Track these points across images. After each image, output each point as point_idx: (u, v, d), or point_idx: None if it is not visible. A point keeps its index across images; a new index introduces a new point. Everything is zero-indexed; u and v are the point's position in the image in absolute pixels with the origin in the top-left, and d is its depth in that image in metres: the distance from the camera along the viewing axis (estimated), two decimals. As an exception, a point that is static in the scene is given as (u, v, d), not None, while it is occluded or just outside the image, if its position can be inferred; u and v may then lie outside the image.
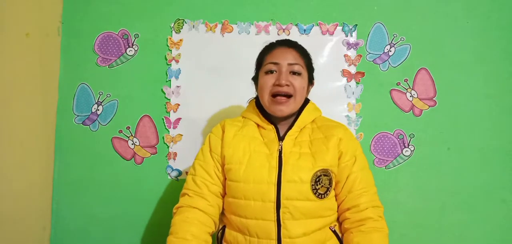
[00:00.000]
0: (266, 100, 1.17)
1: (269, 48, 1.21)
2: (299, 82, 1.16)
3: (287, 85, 1.14)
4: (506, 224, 1.59)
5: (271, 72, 1.16)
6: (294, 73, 1.16)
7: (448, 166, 1.60)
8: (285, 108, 1.15)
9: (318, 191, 1.10)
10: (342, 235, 1.17)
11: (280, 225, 1.08)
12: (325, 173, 1.12)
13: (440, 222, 1.59)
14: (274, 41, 1.23)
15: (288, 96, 1.15)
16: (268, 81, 1.16)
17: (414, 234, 1.59)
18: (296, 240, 1.08)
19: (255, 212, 1.10)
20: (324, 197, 1.12)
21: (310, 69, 1.22)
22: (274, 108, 1.15)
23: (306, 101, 1.25)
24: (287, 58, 1.16)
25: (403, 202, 1.59)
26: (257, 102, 1.25)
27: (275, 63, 1.16)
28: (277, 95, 1.14)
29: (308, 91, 1.24)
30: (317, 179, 1.11)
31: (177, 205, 1.18)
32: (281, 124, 1.20)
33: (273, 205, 1.08)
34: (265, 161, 1.13)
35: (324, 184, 1.11)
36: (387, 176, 1.60)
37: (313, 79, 1.25)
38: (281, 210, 1.08)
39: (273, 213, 1.08)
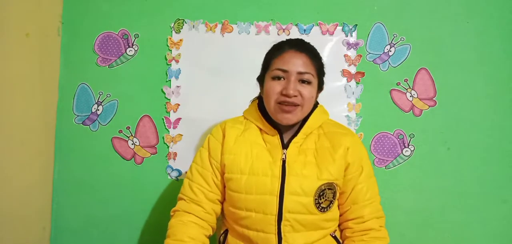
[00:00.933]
0: (271, 106, 1.10)
1: (278, 50, 1.12)
2: (308, 91, 1.08)
3: (295, 95, 1.06)
4: (506, 224, 1.59)
5: (279, 78, 1.09)
6: (303, 81, 1.08)
7: (448, 166, 1.59)
8: (292, 117, 1.09)
9: (321, 205, 1.08)
10: (343, 241, 1.16)
11: (280, 238, 1.06)
12: (330, 186, 1.08)
13: (440, 222, 1.59)
14: (284, 41, 1.15)
15: (295, 105, 1.08)
16: (275, 87, 1.08)
17: (414, 234, 1.59)
18: None
19: (256, 224, 1.08)
20: (327, 210, 1.09)
21: (321, 75, 1.14)
22: (280, 117, 1.09)
23: (315, 104, 1.18)
24: (297, 65, 1.07)
25: (403, 202, 1.59)
26: (260, 104, 1.19)
27: (284, 71, 1.08)
28: (284, 103, 1.08)
29: (316, 97, 1.17)
30: (321, 193, 1.07)
31: (174, 208, 1.17)
32: (285, 130, 1.15)
33: (274, 218, 1.06)
34: (267, 170, 1.08)
35: (328, 198, 1.08)
36: (387, 176, 1.60)
37: (323, 84, 1.17)
38: (282, 223, 1.06)
39: (274, 226, 1.06)
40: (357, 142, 1.17)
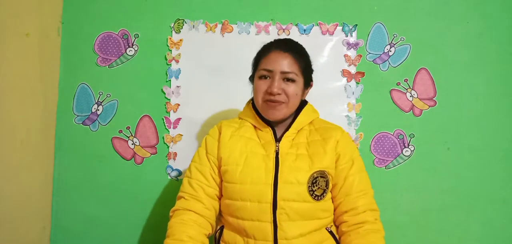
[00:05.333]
0: (259, 104, 1.18)
1: (265, 51, 1.19)
2: (292, 89, 1.14)
3: (279, 93, 1.13)
4: (506, 224, 1.59)
5: (265, 77, 1.16)
6: (288, 79, 1.15)
7: (448, 166, 1.60)
8: (277, 112, 1.15)
9: (315, 192, 1.10)
10: (340, 237, 1.16)
11: (276, 226, 1.08)
12: (322, 174, 1.12)
13: (440, 222, 1.59)
14: (272, 42, 1.22)
15: (280, 102, 1.15)
16: (261, 86, 1.16)
17: (414, 234, 1.59)
18: (292, 241, 1.07)
19: (251, 213, 1.09)
20: (321, 199, 1.12)
21: (306, 72, 1.19)
22: (267, 113, 1.16)
23: (304, 103, 1.25)
24: (281, 65, 1.14)
25: (403, 202, 1.59)
26: (254, 103, 1.24)
27: (269, 70, 1.15)
28: (269, 101, 1.15)
29: (305, 94, 1.23)
30: (314, 181, 1.11)
31: (173, 208, 1.18)
32: (278, 126, 1.20)
33: (269, 206, 1.08)
34: (261, 162, 1.13)
35: (321, 186, 1.11)
36: (387, 176, 1.60)
37: (311, 81, 1.24)
38: (277, 211, 1.08)
39: (269, 214, 1.08)
40: (347, 136, 1.22)
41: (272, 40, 1.23)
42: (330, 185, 1.15)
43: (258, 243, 1.09)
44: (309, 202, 1.10)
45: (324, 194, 1.12)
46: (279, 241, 1.07)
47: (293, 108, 1.18)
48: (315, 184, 1.11)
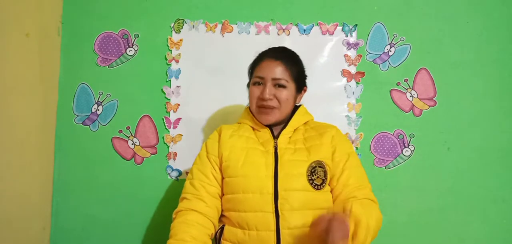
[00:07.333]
0: (253, 109, 1.25)
1: (258, 60, 1.27)
2: (284, 95, 1.21)
3: (270, 99, 1.20)
4: (506, 224, 1.59)
5: (258, 84, 1.23)
6: (279, 86, 1.21)
7: (448, 166, 1.60)
8: (270, 117, 1.22)
9: (315, 181, 1.14)
10: None
11: (278, 216, 1.10)
12: (320, 164, 1.16)
13: (440, 222, 1.59)
14: (265, 51, 1.28)
15: (272, 107, 1.21)
16: (255, 92, 1.23)
17: (414, 234, 1.59)
18: (294, 231, 1.10)
19: (253, 205, 1.12)
20: (321, 188, 1.15)
21: (298, 79, 1.26)
22: (260, 117, 1.24)
23: (297, 106, 1.30)
24: (272, 72, 1.20)
25: (403, 202, 1.59)
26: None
27: (261, 77, 1.22)
28: (262, 106, 1.22)
29: (299, 98, 1.29)
30: (313, 170, 1.15)
31: (176, 210, 1.19)
32: (274, 126, 1.27)
33: (271, 197, 1.12)
34: (261, 157, 1.18)
35: (320, 175, 1.15)
36: (387, 176, 1.60)
37: (304, 86, 1.30)
38: (279, 201, 1.11)
39: (271, 205, 1.11)
40: (342, 134, 1.28)
41: (266, 48, 1.29)
42: (329, 177, 1.18)
43: (261, 234, 1.11)
44: (310, 191, 1.13)
45: (324, 184, 1.16)
46: (281, 230, 1.10)
47: (285, 112, 1.24)
48: (314, 173, 1.15)
